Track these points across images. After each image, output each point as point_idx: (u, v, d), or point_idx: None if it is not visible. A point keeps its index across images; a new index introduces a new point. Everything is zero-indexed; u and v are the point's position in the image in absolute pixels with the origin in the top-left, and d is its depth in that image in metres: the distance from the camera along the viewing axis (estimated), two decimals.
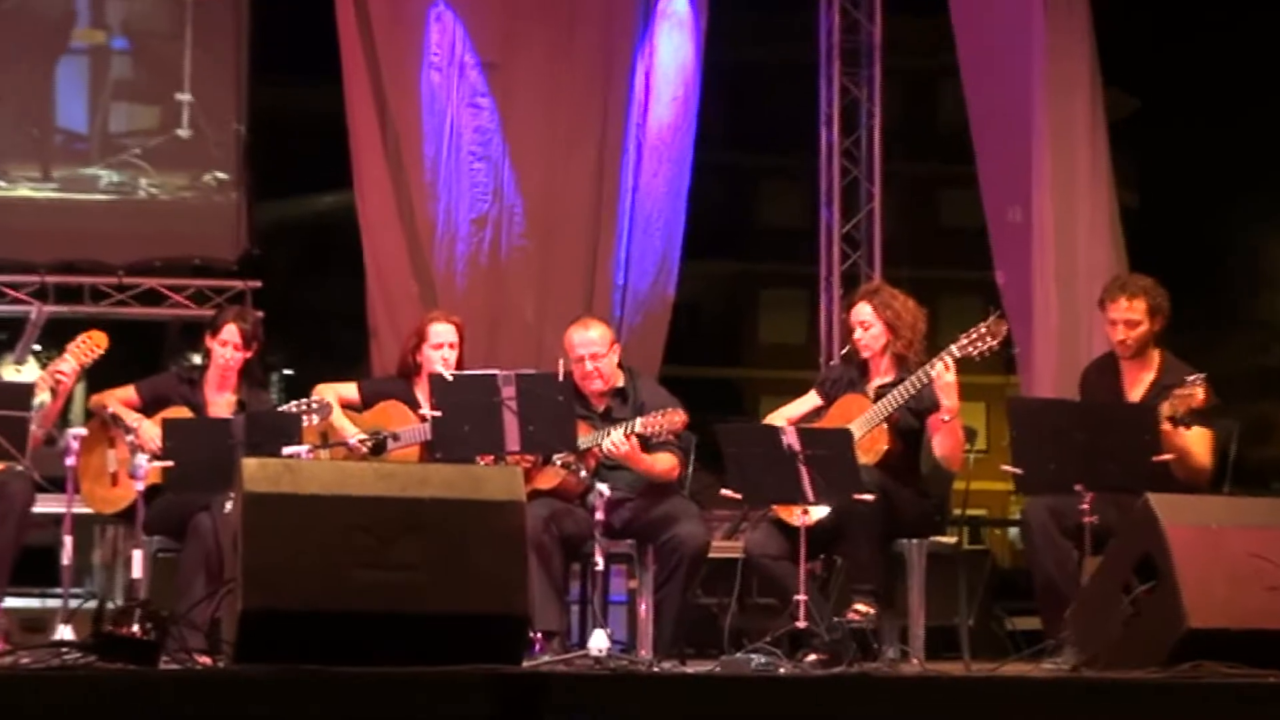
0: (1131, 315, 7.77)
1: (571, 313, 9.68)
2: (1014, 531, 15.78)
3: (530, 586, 6.59)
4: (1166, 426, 7.34)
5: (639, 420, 7.80)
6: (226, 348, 8.14)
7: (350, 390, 8.34)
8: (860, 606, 7.55)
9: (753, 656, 6.96)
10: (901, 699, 5.89)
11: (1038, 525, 7.55)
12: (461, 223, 11.46)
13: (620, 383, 8.19)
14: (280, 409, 8.04)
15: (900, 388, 7.71)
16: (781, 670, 6.84)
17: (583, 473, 7.78)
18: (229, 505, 7.20)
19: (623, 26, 11.72)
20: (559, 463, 7.83)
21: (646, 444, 7.88)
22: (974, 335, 7.64)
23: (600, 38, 11.68)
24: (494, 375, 7.60)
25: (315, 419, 7.91)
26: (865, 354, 8.04)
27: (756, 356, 31.75)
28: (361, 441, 8.01)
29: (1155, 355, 7.86)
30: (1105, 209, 11.35)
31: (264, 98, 12.04)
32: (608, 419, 8.03)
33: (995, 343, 7.62)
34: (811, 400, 8.17)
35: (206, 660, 6.39)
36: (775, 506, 7.68)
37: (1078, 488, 7.19)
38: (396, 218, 11.40)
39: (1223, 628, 6.37)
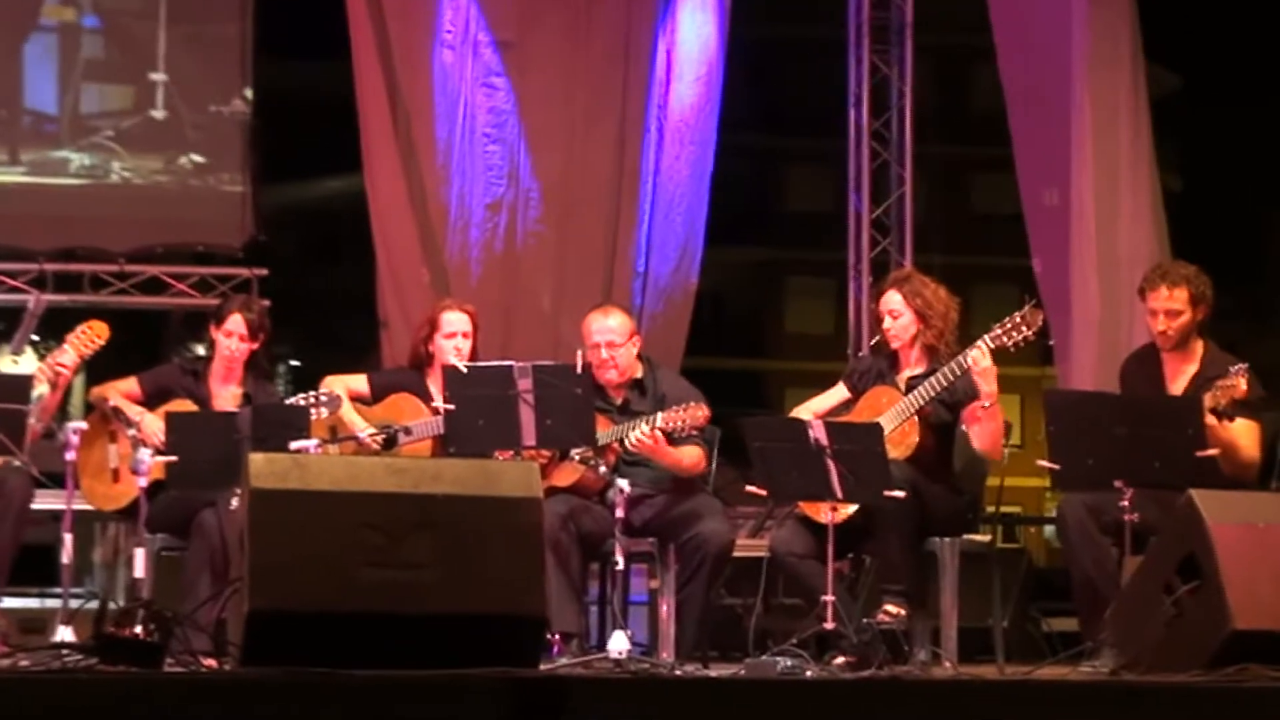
0: (1173, 305, 7.68)
1: (590, 301, 9.61)
2: (1050, 529, 15.74)
3: (547, 586, 6.60)
4: (1210, 419, 7.27)
5: (660, 415, 7.74)
6: (232, 339, 8.07)
7: (360, 382, 8.27)
8: (890, 607, 7.47)
9: (779, 659, 6.91)
10: (934, 703, 5.90)
11: (1075, 522, 7.47)
12: (475, 208, 11.37)
13: (638, 374, 8.11)
14: (288, 402, 8.00)
15: (932, 379, 7.61)
16: (809, 673, 6.83)
17: (602, 468, 7.69)
18: (235, 502, 7.13)
19: (644, 3, 11.64)
20: (577, 458, 7.77)
21: (670, 438, 7.78)
22: (1008, 325, 7.54)
23: (620, 15, 11.59)
24: (509, 367, 7.54)
25: (324, 412, 7.87)
26: (894, 344, 7.95)
27: (782, 347, 31.78)
28: (372, 436, 7.96)
29: (1198, 346, 7.77)
30: (1147, 193, 11.25)
31: (269, 78, 11.91)
32: (626, 412, 7.97)
33: (1031, 332, 7.54)
34: (839, 393, 8.09)
35: (212, 663, 6.50)
36: (802, 503, 7.60)
37: (1118, 484, 7.11)
38: (408, 203, 11.32)
39: (1269, 629, 6.34)
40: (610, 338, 7.98)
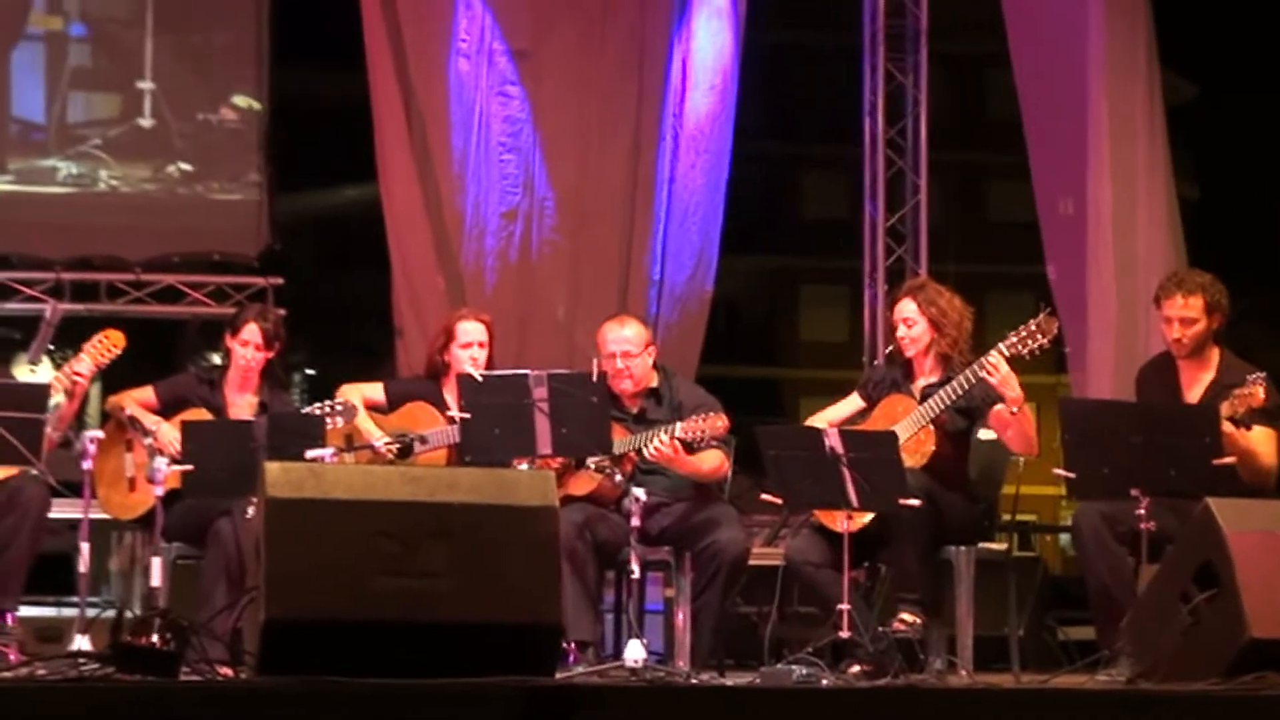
0: (1188, 313, 7.65)
1: (605, 310, 9.61)
2: (1065, 538, 15.69)
3: (563, 595, 6.57)
4: (1228, 428, 7.25)
5: (679, 424, 7.71)
6: (247, 348, 8.05)
7: (376, 391, 8.24)
8: (906, 616, 7.46)
9: (794, 668, 6.90)
10: (949, 712, 5.92)
11: (1090, 531, 7.43)
12: (490, 216, 11.36)
13: (654, 383, 8.08)
14: (304, 411, 8.00)
15: (947, 388, 7.60)
16: (824, 682, 6.81)
17: (618, 477, 7.65)
18: (251, 510, 7.11)
19: (659, 11, 11.62)
20: (593, 466, 7.74)
21: (688, 447, 7.75)
22: (1023, 333, 7.53)
23: (635, 23, 11.57)
24: (525, 375, 7.52)
25: (340, 421, 7.84)
26: (909, 352, 7.93)
27: (797, 355, 31.72)
28: (388, 444, 7.94)
29: (1214, 354, 7.73)
30: (1163, 200, 11.23)
31: (284, 86, 11.90)
32: (642, 421, 7.95)
33: (1046, 340, 7.51)
34: (854, 402, 8.08)
35: (228, 672, 6.46)
36: (817, 512, 7.59)
37: (1134, 492, 7.08)
38: (423, 211, 11.30)
39: None
40: (626, 347, 7.96)
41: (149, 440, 7.75)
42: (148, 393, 8.06)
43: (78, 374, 7.62)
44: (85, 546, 7.10)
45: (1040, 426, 7.68)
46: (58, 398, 7.56)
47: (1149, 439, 7.09)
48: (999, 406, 7.53)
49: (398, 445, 7.90)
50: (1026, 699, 6.38)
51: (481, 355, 8.15)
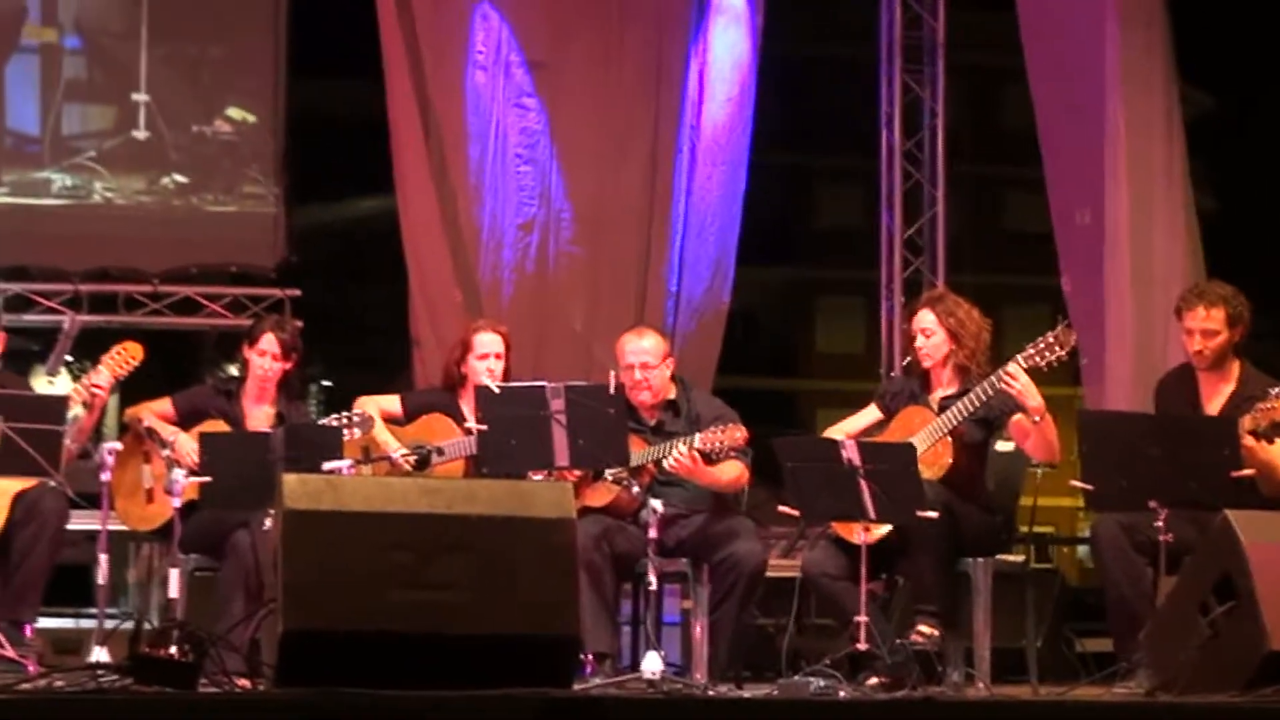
0: (1209, 325, 7.63)
1: (622, 322, 9.58)
2: (1083, 550, 15.64)
3: (581, 607, 6.59)
4: (1249, 441, 7.21)
5: (698, 436, 7.68)
6: (265, 358, 8.04)
7: (393, 403, 8.23)
8: (923, 628, 7.43)
9: (812, 679, 6.91)
10: None
11: (1109, 541, 7.42)
12: (507, 228, 11.32)
13: (672, 395, 8.06)
14: (321, 422, 7.98)
15: (965, 399, 7.57)
16: (842, 694, 6.81)
17: (635, 489, 7.61)
18: (268, 522, 7.11)
19: (676, 22, 11.57)
20: (611, 478, 7.70)
21: (707, 458, 7.73)
22: (1041, 345, 7.51)
23: (652, 34, 11.53)
24: (542, 387, 7.50)
25: (357, 432, 7.84)
26: (926, 363, 7.91)
27: (813, 367, 31.64)
28: (405, 456, 7.93)
29: (1234, 366, 7.70)
30: (1182, 212, 11.17)
31: (301, 98, 11.89)
32: (659, 433, 7.93)
33: (1064, 352, 7.49)
34: (871, 414, 8.05)
35: (246, 683, 6.39)
36: (834, 524, 7.58)
37: (1152, 504, 7.05)
38: (440, 223, 11.26)
39: None
40: (644, 359, 7.94)
41: (167, 452, 7.73)
42: (165, 404, 8.05)
43: (96, 386, 7.62)
44: (104, 558, 7.10)
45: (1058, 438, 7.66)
46: (76, 409, 7.55)
47: (1168, 451, 7.06)
48: (1019, 416, 7.51)
49: (415, 457, 7.89)
50: (1044, 711, 6.38)
51: (498, 366, 8.13)
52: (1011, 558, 7.84)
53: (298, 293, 11.46)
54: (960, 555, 7.62)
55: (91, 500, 7.62)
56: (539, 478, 7.42)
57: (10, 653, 6.92)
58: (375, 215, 17.23)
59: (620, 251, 11.42)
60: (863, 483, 7.05)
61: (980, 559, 7.64)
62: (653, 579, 7.25)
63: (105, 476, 7.17)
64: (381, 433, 7.99)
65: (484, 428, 7.51)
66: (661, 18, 11.51)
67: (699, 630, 7.79)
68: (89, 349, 9.20)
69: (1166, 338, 10.26)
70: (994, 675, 7.56)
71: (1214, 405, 7.64)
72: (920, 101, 12.17)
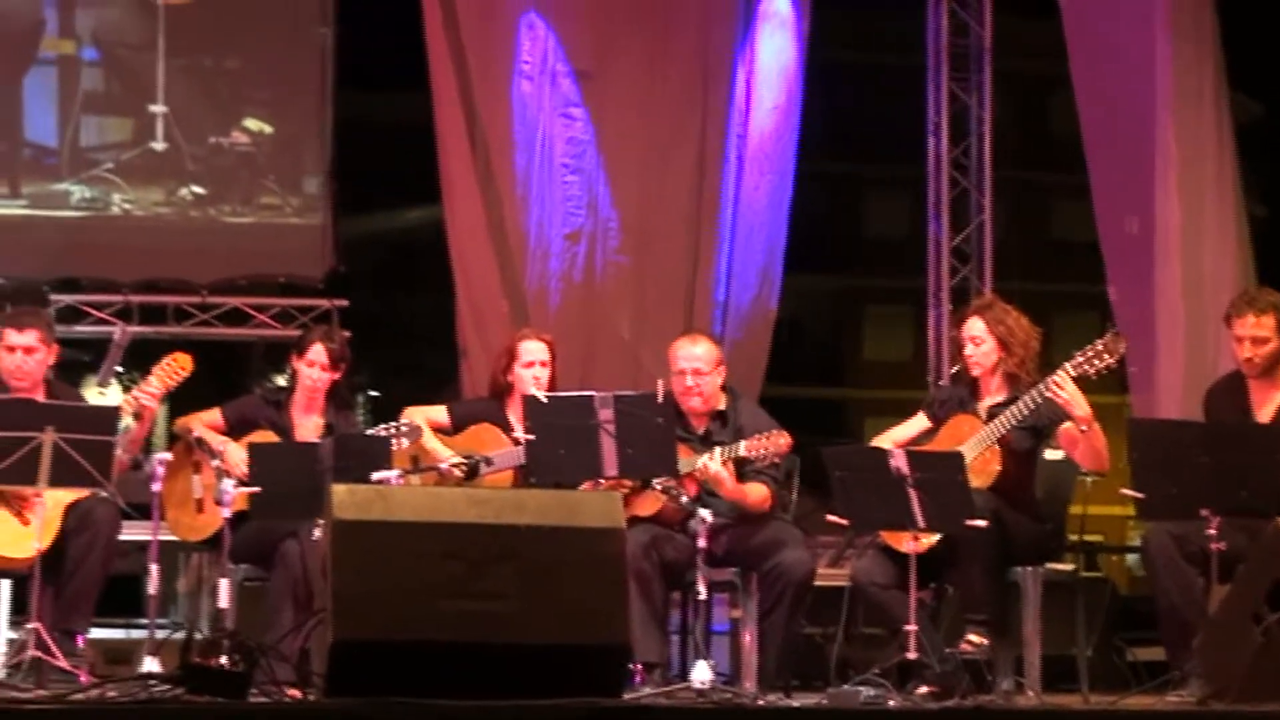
0: (1259, 332, 7.58)
1: (670, 330, 9.55)
2: (1132, 558, 15.56)
3: (630, 616, 6.55)
4: None
5: (743, 443, 7.65)
6: (313, 369, 8.01)
7: (440, 413, 8.21)
8: (973, 637, 7.41)
9: (861, 688, 6.91)
10: None
11: (1160, 550, 7.38)
12: (554, 238, 11.33)
13: (721, 405, 8.00)
14: (369, 432, 7.94)
15: (1014, 407, 7.53)
16: (891, 703, 6.81)
17: (684, 498, 7.56)
18: (317, 532, 7.12)
19: (721, 30, 11.57)
20: (659, 488, 7.64)
21: (741, 471, 7.68)
22: (1090, 353, 7.45)
23: (698, 42, 11.53)
24: (591, 397, 7.47)
25: (405, 442, 7.80)
26: (976, 371, 7.86)
27: (861, 375, 31.50)
28: (454, 466, 7.87)
29: None
30: (1232, 219, 11.13)
31: (349, 109, 11.91)
32: (707, 442, 7.88)
33: (1113, 360, 7.44)
34: (920, 423, 8.00)
35: (296, 693, 6.35)
36: (883, 532, 7.54)
37: (1204, 512, 7.00)
38: (487, 233, 11.28)
39: None
40: (696, 365, 7.89)
41: (216, 462, 7.71)
42: (215, 415, 8.04)
43: (148, 394, 7.62)
44: (154, 568, 7.12)
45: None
46: (126, 420, 7.55)
47: (1218, 459, 7.02)
48: (1068, 425, 7.48)
49: (464, 467, 7.84)
50: None
51: (544, 374, 8.10)
52: (1061, 566, 7.79)
53: (345, 303, 11.47)
54: (1010, 564, 7.57)
55: (142, 510, 7.65)
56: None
57: (63, 663, 6.92)
58: (422, 225, 17.24)
59: (667, 260, 11.41)
60: (911, 491, 7.03)
61: (1030, 567, 7.60)
62: (702, 588, 7.22)
63: (156, 487, 7.20)
64: (430, 442, 7.97)
65: (532, 437, 7.49)
66: (707, 26, 11.51)
67: (748, 639, 7.75)
68: (138, 360, 9.20)
69: (1217, 345, 10.20)
70: (1044, 684, 7.52)
71: (1265, 412, 7.59)
72: (967, 109, 12.15)
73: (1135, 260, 11.19)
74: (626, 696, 6.39)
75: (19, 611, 7.72)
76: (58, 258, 11.40)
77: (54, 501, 7.16)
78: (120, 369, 9.95)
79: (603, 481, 7.44)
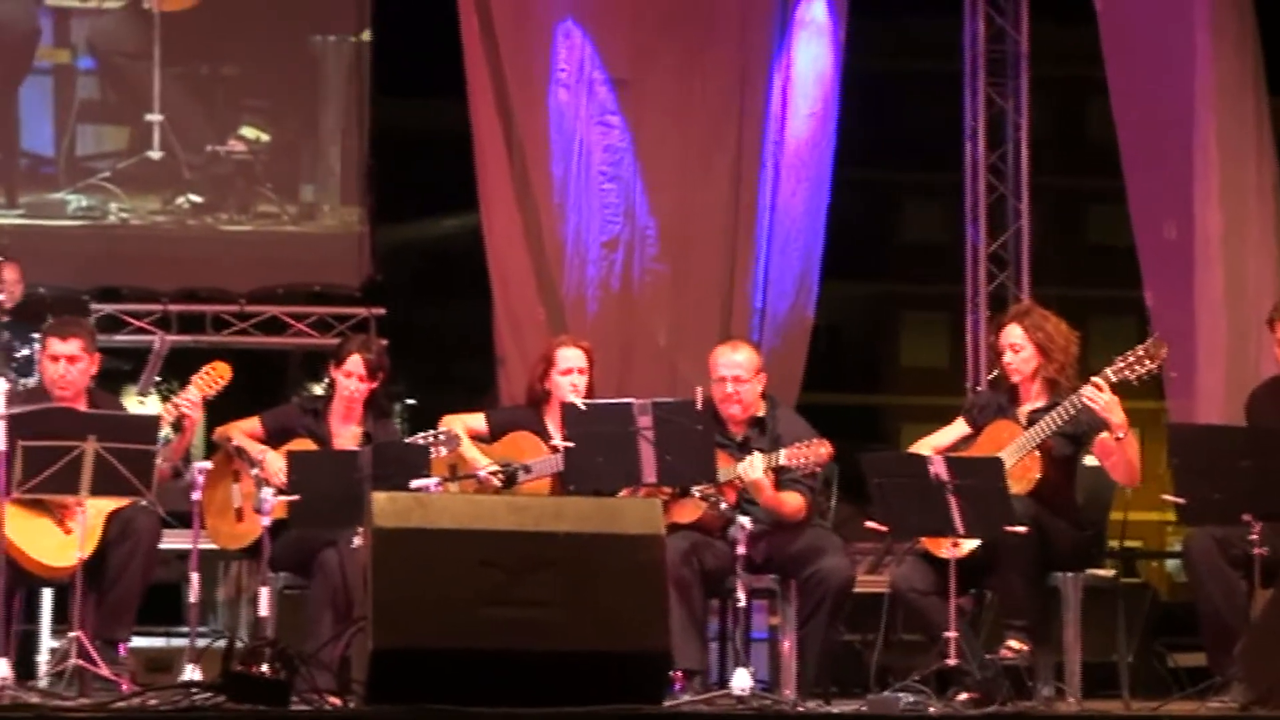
0: None
1: (707, 338, 9.55)
2: (1172, 563, 15.49)
3: (670, 623, 6.53)
4: None
5: (783, 451, 7.61)
6: (351, 379, 7.98)
7: (478, 421, 8.17)
8: (1013, 643, 7.35)
9: (901, 695, 6.90)
10: None
11: (1202, 555, 7.34)
12: (591, 245, 11.34)
13: (760, 412, 7.97)
14: (408, 440, 7.93)
15: (1054, 413, 7.49)
16: (931, 709, 6.82)
17: (723, 505, 7.54)
18: (356, 540, 7.11)
19: (758, 37, 11.55)
20: (698, 494, 7.61)
21: (778, 479, 7.67)
22: (1130, 358, 7.42)
23: (734, 50, 11.52)
24: (629, 404, 7.46)
25: (443, 450, 7.78)
26: (1015, 378, 7.82)
27: (898, 381, 31.45)
28: (492, 473, 7.86)
29: None
30: (1273, 223, 11.06)
31: (385, 117, 11.93)
32: (746, 449, 7.85)
33: (1155, 365, 7.42)
34: (959, 429, 7.95)
35: (337, 701, 6.34)
36: (923, 539, 7.49)
37: (1245, 518, 6.97)
38: (524, 241, 11.30)
39: None
40: (737, 372, 7.85)
41: (256, 471, 7.71)
42: (254, 423, 8.02)
43: (188, 402, 7.64)
44: (195, 576, 7.12)
45: (1144, 452, 7.58)
46: (165, 430, 7.58)
47: (1260, 463, 7.00)
48: (1104, 434, 7.45)
49: (502, 474, 7.83)
50: None
51: (581, 381, 8.06)
52: (1102, 572, 7.78)
53: (383, 311, 11.49)
54: (1050, 570, 7.55)
55: (182, 519, 7.66)
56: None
57: (105, 671, 6.94)
58: (460, 233, 17.23)
59: (705, 268, 11.40)
60: (951, 498, 7.02)
61: (1070, 573, 7.57)
62: (741, 595, 7.22)
63: (196, 495, 7.21)
64: (469, 450, 7.94)
65: (570, 445, 7.48)
66: (744, 33, 11.50)
67: (787, 646, 7.73)
68: (177, 369, 9.23)
69: (1259, 351, 10.14)
70: (1085, 690, 7.50)
71: None
72: (1004, 114, 12.11)
73: (1174, 265, 11.13)
74: (666, 704, 6.38)
75: (61, 620, 7.75)
76: (93, 267, 11.43)
77: (95, 510, 7.18)
78: (159, 378, 9.98)
79: (641, 489, 7.44)
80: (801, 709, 7.04)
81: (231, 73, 11.88)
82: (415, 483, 7.21)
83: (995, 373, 8.18)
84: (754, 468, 7.58)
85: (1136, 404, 7.54)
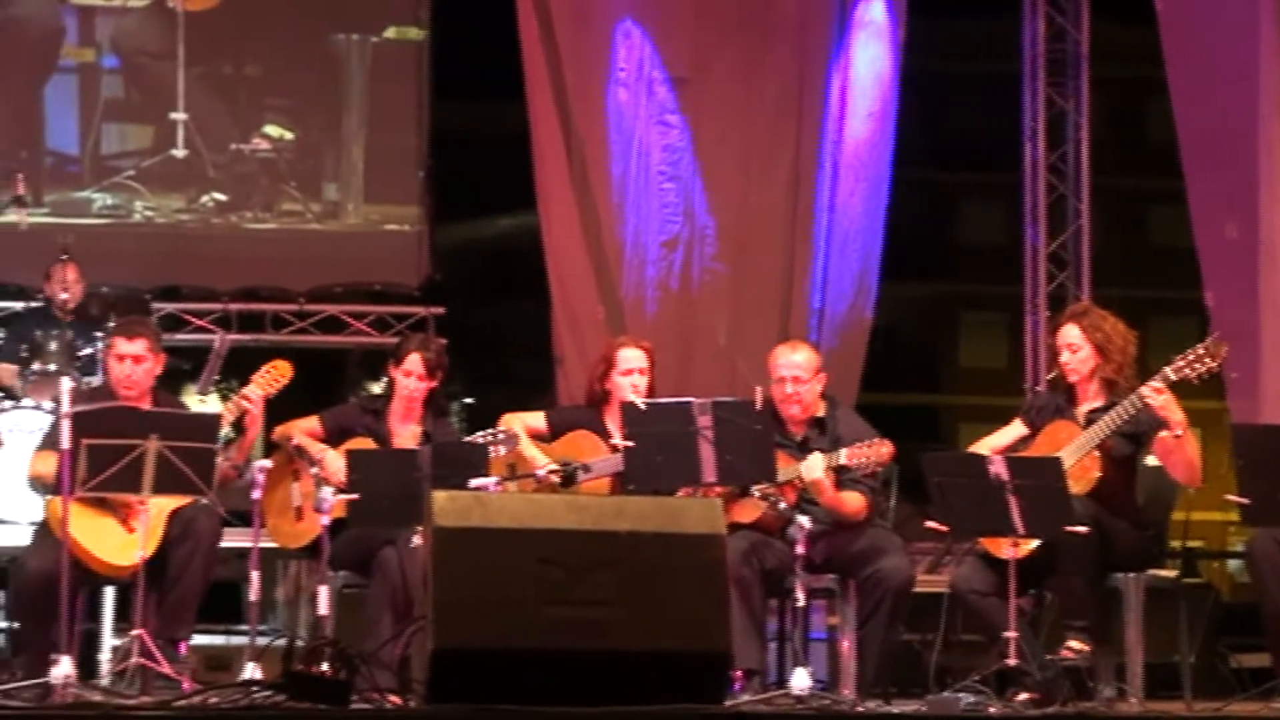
0: None
1: (766, 338, 9.54)
2: (1235, 564, 15.38)
3: (731, 623, 6.52)
4: None
5: (844, 451, 7.60)
6: (410, 378, 7.99)
7: (537, 420, 8.18)
8: (1074, 643, 7.33)
9: (961, 696, 6.91)
10: None
11: (1266, 556, 7.29)
12: (651, 245, 11.34)
13: (820, 412, 7.96)
14: (466, 440, 7.92)
15: (1113, 412, 7.46)
16: (991, 710, 6.81)
17: (782, 505, 7.53)
18: (416, 539, 7.11)
19: (817, 37, 11.56)
20: (758, 494, 7.61)
21: (838, 479, 7.67)
22: (1190, 357, 7.38)
23: (794, 50, 11.52)
24: (689, 403, 7.45)
25: (502, 450, 7.78)
26: (1073, 378, 7.79)
27: (956, 382, 31.37)
28: (552, 473, 7.85)
29: None
30: None
31: (445, 118, 11.95)
32: (806, 449, 7.83)
33: (1214, 364, 7.37)
34: (1017, 429, 7.93)
35: (397, 700, 6.35)
36: (982, 539, 7.49)
37: None
38: (582, 240, 11.31)
39: None
40: (796, 373, 7.85)
41: (315, 470, 7.74)
42: (314, 423, 8.05)
43: (248, 399, 7.66)
44: (255, 575, 7.13)
45: (1206, 452, 7.53)
46: (227, 429, 7.61)
47: None
48: (1164, 433, 7.42)
49: (562, 473, 7.81)
50: None
51: (642, 382, 8.06)
52: (1163, 573, 7.74)
53: (441, 310, 11.51)
54: (1111, 570, 7.51)
55: (242, 518, 7.68)
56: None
57: (167, 669, 6.97)
58: (518, 233, 17.27)
59: (764, 268, 11.40)
60: (1011, 498, 6.99)
61: (1132, 574, 7.54)
62: (800, 595, 7.21)
63: (256, 494, 7.21)
64: (528, 449, 7.93)
65: (630, 444, 7.48)
66: (803, 34, 11.49)
67: (846, 646, 7.72)
68: (236, 368, 9.26)
69: None
70: (1147, 691, 7.47)
71: None
72: (1064, 114, 12.08)
73: (1235, 266, 11.05)
74: (726, 704, 6.38)
75: (123, 619, 7.78)
76: (150, 265, 11.48)
77: (157, 509, 7.20)
78: (218, 377, 10.01)
79: (701, 489, 7.43)
80: (860, 709, 7.04)
81: (255, 71, 11.94)
82: (474, 482, 7.19)
83: (1053, 373, 8.13)
84: (814, 468, 7.57)
85: (1197, 404, 7.49)
